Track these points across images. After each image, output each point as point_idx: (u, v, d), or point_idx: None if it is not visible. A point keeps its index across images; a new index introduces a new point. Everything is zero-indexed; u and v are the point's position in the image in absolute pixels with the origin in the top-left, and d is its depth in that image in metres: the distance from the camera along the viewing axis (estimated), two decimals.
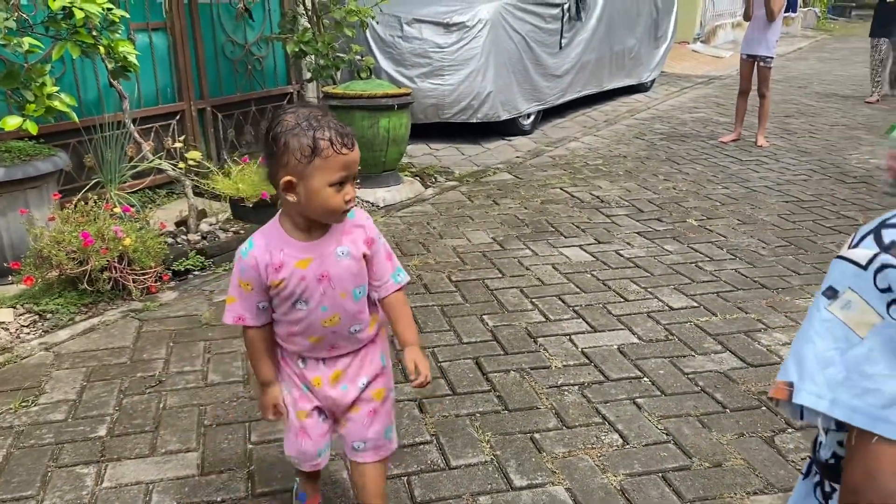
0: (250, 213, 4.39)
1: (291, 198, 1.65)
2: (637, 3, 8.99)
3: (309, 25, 5.59)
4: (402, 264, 4.06)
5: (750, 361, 3.07)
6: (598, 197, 5.36)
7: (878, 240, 0.79)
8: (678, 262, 4.15)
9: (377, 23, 6.21)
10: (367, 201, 5.04)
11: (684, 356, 3.11)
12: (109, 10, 3.61)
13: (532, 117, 7.48)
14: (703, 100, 9.58)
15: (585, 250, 4.31)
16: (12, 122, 3.37)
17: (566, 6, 7.44)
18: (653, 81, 10.14)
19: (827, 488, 0.96)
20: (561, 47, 7.53)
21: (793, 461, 2.43)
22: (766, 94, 6.94)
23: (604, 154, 6.66)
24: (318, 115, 1.65)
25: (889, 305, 0.77)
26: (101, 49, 3.66)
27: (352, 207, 1.70)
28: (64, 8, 3.43)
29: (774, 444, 2.52)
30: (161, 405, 2.72)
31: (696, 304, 3.60)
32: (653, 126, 7.91)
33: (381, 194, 5.11)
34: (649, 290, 3.77)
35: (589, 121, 8.16)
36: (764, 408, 2.74)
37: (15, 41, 3.33)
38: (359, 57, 5.69)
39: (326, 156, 1.60)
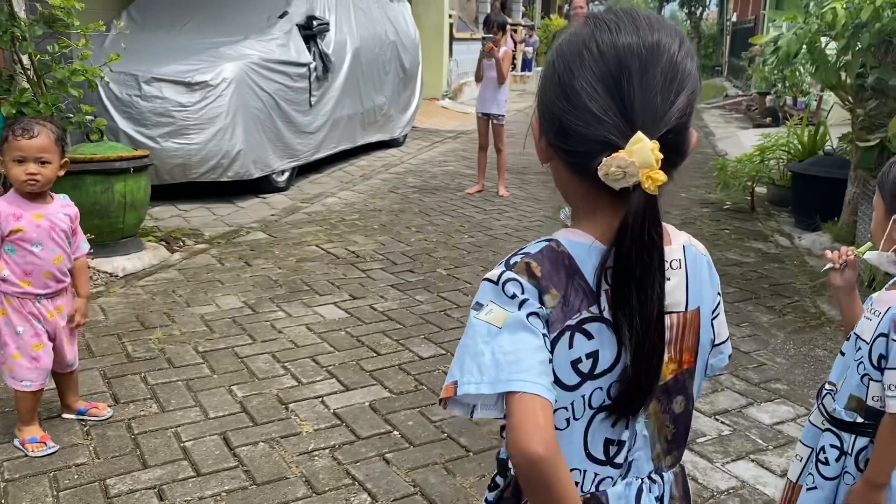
0: None
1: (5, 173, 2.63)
2: (383, 64, 9.39)
3: (28, 86, 5.12)
4: (143, 338, 3.80)
5: None
6: (353, 252, 5.44)
7: (507, 262, 1.05)
8: (429, 311, 4.32)
9: (107, 82, 5.85)
10: (103, 271, 4.66)
11: (432, 404, 3.22)
12: None
13: (287, 174, 7.45)
14: (452, 153, 10.19)
15: (340, 307, 4.34)
16: None
17: (312, 66, 7.58)
18: (405, 136, 10.61)
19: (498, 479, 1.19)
20: (311, 105, 7.62)
21: None
22: (502, 148, 7.54)
23: (360, 209, 6.80)
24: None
25: (520, 306, 1.00)
26: None
27: (34, 181, 2.57)
28: None
29: None
30: None
31: (444, 352, 3.77)
32: (406, 180, 8.24)
33: (121, 263, 4.77)
34: (401, 342, 3.88)
35: (346, 176, 8.31)
36: None
37: None
38: (90, 118, 5.31)
39: (10, 141, 2.55)
